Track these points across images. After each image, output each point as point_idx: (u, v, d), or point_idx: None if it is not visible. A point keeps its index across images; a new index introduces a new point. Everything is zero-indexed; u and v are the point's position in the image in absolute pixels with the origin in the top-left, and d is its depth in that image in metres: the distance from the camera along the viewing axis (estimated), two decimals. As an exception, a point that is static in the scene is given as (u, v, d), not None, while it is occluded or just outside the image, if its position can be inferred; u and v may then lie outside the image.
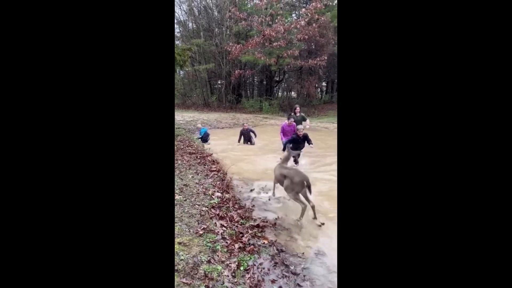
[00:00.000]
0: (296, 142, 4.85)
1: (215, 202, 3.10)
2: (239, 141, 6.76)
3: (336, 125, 10.63)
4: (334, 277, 2.01)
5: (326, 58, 12.70)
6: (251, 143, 6.75)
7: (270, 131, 7.87)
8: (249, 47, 12.72)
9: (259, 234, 2.55)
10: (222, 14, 14.85)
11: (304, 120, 6.25)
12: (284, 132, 5.83)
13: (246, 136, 6.77)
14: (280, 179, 3.18)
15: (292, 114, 6.26)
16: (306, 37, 12.32)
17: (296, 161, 4.83)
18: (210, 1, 15.54)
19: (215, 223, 2.67)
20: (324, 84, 19.38)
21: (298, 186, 2.91)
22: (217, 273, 1.94)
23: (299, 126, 4.96)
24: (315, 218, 2.92)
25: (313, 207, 2.94)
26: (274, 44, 12.40)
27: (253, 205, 3.27)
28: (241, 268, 2.05)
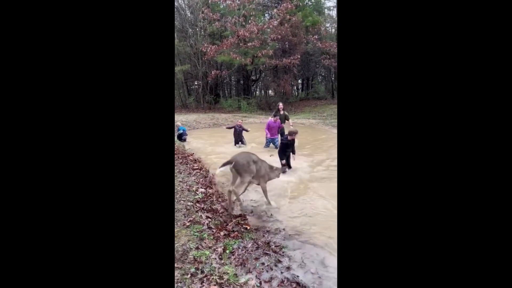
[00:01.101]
0: (288, 147, 4.52)
1: (199, 197, 3.28)
2: (229, 128, 6.88)
3: (312, 121, 11.11)
4: (310, 250, 2.29)
5: (299, 56, 13.17)
6: (242, 143, 6.52)
7: (252, 129, 8.03)
8: (224, 48, 12.87)
9: (242, 222, 2.78)
10: (195, 15, 14.81)
11: (287, 119, 6.42)
12: (269, 128, 5.96)
13: (237, 136, 6.48)
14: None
15: (275, 111, 6.41)
16: (279, 36, 12.71)
17: (289, 166, 4.54)
18: (182, 2, 15.42)
19: (201, 215, 2.85)
20: (299, 82, 20.00)
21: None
22: (205, 257, 2.14)
23: (291, 129, 4.62)
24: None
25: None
26: (248, 44, 12.65)
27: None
28: (227, 251, 2.26)
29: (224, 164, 3.08)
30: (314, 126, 9.76)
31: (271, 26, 13.14)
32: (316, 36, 13.77)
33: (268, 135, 6.02)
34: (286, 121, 6.36)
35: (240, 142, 6.52)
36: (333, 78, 19.24)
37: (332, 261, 2.15)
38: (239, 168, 3.03)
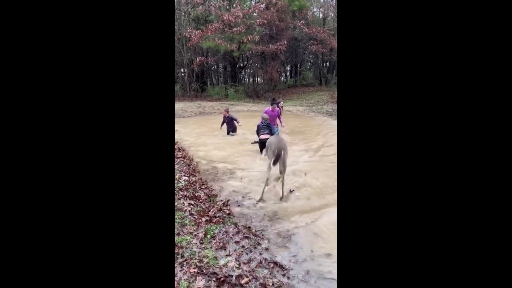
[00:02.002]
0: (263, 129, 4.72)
1: (182, 185, 3.29)
2: (221, 125, 6.40)
3: (298, 107, 11.14)
4: (287, 231, 2.37)
5: (286, 42, 12.99)
6: (234, 132, 6.22)
7: (242, 117, 7.92)
8: (209, 33, 12.50)
9: (224, 208, 2.82)
10: (178, -2, 14.23)
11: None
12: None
13: (229, 125, 6.15)
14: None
15: (272, 101, 6.27)
16: (266, 21, 12.45)
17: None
18: (164, -16, 14.68)
19: (183, 203, 2.87)
20: (288, 68, 19.84)
21: (271, 154, 3.11)
22: (186, 242, 2.18)
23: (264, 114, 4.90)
24: (281, 198, 3.05)
25: (280, 179, 3.15)
26: (234, 29, 12.33)
27: (222, 187, 3.52)
28: (208, 236, 2.31)
29: (276, 160, 3.04)
30: (302, 113, 9.80)
31: (256, 10, 12.82)
32: (303, 21, 13.56)
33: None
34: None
35: (231, 132, 6.23)
36: (321, 65, 19.19)
37: (304, 240, 2.24)
38: (286, 154, 3.16)
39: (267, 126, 4.71)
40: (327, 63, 18.64)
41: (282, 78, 18.81)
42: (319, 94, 13.80)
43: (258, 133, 4.71)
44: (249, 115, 9.93)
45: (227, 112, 6.40)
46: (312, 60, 20.14)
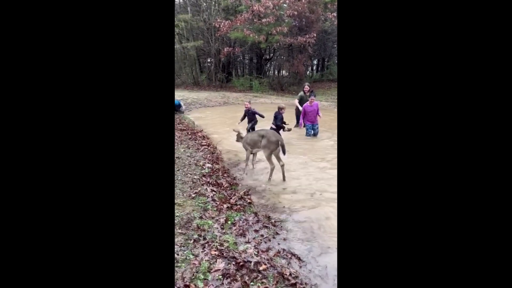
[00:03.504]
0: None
1: (205, 172, 3.41)
2: (241, 120, 5.22)
3: (324, 103, 10.89)
4: (305, 225, 2.39)
5: (315, 35, 12.63)
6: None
7: (265, 110, 7.84)
8: (238, 24, 12.48)
9: (245, 197, 2.89)
10: (209, -13, 14.31)
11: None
12: (305, 113, 5.18)
13: (250, 119, 5.02)
14: (257, 140, 3.50)
15: (301, 93, 5.85)
16: (296, 13, 12.14)
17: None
18: (196, -27, 14.86)
19: (206, 188, 2.98)
20: (315, 62, 19.35)
21: (273, 145, 3.31)
22: (208, 226, 2.28)
23: (281, 104, 4.74)
24: (284, 179, 3.34)
25: (282, 166, 3.37)
26: (263, 20, 12.20)
27: (242, 174, 3.60)
28: (229, 222, 2.39)
29: (284, 149, 3.38)
30: (326, 108, 9.59)
31: (287, 1, 12.53)
32: (335, 14, 13.06)
33: (306, 123, 5.20)
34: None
35: (251, 129, 4.98)
36: (350, 60, 18.39)
37: (324, 235, 2.24)
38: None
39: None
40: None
41: (308, 72, 18.40)
42: (346, 90, 13.35)
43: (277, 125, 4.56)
44: (273, 107, 9.88)
45: (250, 103, 5.30)
46: (340, 55, 19.41)
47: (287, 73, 16.80)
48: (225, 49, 13.31)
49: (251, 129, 5.16)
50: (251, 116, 5.13)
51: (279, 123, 4.56)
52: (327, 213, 2.63)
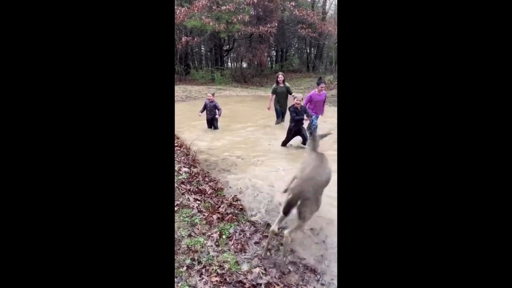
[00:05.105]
0: (298, 116, 3.92)
1: (183, 178, 2.97)
2: (201, 112, 5.14)
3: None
4: (308, 232, 2.19)
5: (276, 24, 12.48)
6: (215, 127, 5.13)
7: (228, 104, 7.51)
8: (195, 11, 11.62)
9: (235, 203, 2.57)
10: (158, -30, 12.98)
11: (290, 93, 5.19)
12: (311, 102, 4.48)
13: (209, 114, 5.04)
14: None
15: (274, 85, 5.33)
16: (255, 1, 11.78)
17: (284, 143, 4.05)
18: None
19: (188, 198, 2.58)
20: (274, 53, 19.30)
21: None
22: (200, 245, 1.92)
23: (298, 95, 4.08)
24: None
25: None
26: (222, 8, 11.56)
27: (226, 179, 3.24)
28: (223, 236, 2.06)
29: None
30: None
31: (246, -12, 12.05)
32: (293, 3, 13.03)
33: (313, 114, 4.48)
34: (289, 95, 5.21)
35: (212, 126, 5.11)
36: (308, 50, 18.85)
37: (333, 235, 2.07)
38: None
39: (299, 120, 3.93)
40: (314, 49, 18.36)
41: (268, 63, 18.28)
42: (307, 81, 13.61)
43: (291, 128, 3.97)
44: (240, 100, 9.55)
45: (213, 96, 5.19)
46: (297, 45, 19.72)
47: (248, 64, 16.44)
48: (182, 38, 12.34)
49: (212, 121, 5.08)
50: (211, 108, 5.04)
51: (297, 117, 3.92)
52: (326, 213, 2.46)
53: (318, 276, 1.72)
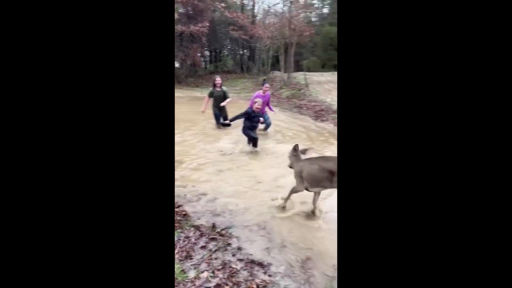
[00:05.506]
0: (252, 119, 3.99)
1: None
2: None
3: (225, 94, 10.93)
4: (253, 227, 2.26)
5: (208, 24, 12.32)
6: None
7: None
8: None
9: (177, 209, 2.45)
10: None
11: (227, 97, 5.15)
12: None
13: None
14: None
15: (212, 88, 5.15)
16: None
17: (255, 144, 4.07)
18: None
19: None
20: (207, 53, 19.00)
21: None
22: (140, 260, 1.76)
23: (258, 100, 4.06)
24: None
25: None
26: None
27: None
28: (167, 246, 1.94)
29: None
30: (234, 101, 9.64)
31: (172, -15, 11.49)
32: (223, 4, 13.10)
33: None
34: (226, 100, 5.19)
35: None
36: (241, 52, 19.24)
37: (276, 227, 2.19)
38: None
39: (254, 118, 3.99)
40: (247, 51, 18.89)
41: (202, 64, 17.89)
42: (242, 81, 13.90)
43: (246, 126, 4.02)
44: (176, 101, 9.04)
45: None
46: (230, 47, 19.94)
47: (180, 64, 15.74)
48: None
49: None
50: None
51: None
52: (270, 208, 2.59)
53: (265, 268, 1.79)
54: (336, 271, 1.77)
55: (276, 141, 4.67)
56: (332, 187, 2.25)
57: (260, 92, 4.77)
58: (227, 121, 4.26)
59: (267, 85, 4.81)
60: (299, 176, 2.37)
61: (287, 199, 2.49)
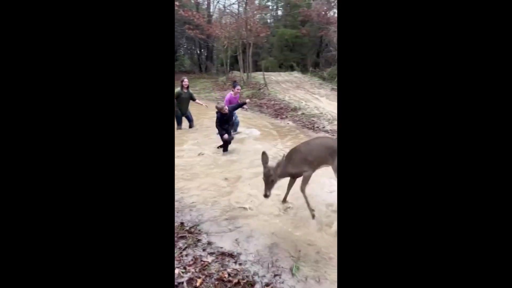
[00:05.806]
0: (226, 123, 4.01)
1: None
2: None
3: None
4: (219, 219, 2.33)
5: (161, 23, 11.82)
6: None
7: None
8: None
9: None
10: None
11: (193, 99, 5.22)
12: (230, 103, 4.57)
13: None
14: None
15: (178, 89, 4.97)
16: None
17: (226, 148, 4.04)
18: None
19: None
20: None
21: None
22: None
23: (224, 104, 4.05)
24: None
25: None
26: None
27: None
28: (134, 250, 1.91)
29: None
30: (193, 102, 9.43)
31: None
32: (177, 3, 12.70)
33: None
34: (192, 101, 5.27)
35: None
36: (198, 51, 18.88)
37: (243, 221, 2.30)
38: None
39: (226, 121, 3.98)
40: (204, 50, 18.62)
41: (157, 63, 17.09)
42: (201, 81, 13.68)
43: (221, 130, 3.95)
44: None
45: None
46: (187, 46, 19.44)
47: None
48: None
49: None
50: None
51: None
52: (243, 204, 2.68)
53: (236, 258, 1.88)
54: (300, 252, 1.95)
55: (255, 140, 4.78)
56: (333, 164, 2.40)
57: (232, 93, 4.84)
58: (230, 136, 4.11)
59: (238, 87, 4.90)
60: (305, 163, 2.38)
61: (308, 203, 2.38)
